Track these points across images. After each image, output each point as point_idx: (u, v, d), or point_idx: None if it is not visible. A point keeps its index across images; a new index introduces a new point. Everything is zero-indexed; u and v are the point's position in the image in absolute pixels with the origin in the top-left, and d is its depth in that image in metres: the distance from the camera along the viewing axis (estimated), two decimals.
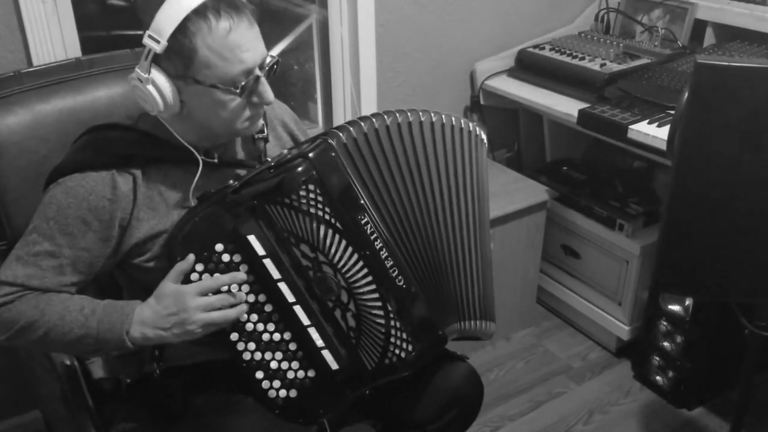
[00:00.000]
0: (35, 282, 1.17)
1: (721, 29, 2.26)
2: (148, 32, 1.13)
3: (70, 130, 1.31)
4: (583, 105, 2.12)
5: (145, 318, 1.17)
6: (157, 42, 1.11)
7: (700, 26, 2.31)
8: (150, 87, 1.14)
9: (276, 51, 2.35)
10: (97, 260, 1.21)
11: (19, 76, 1.46)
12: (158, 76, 1.14)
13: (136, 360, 1.33)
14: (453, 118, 1.34)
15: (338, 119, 2.40)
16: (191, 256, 1.17)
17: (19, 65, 1.73)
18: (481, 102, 2.49)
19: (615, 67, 2.20)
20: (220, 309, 1.17)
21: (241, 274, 1.18)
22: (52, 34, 1.76)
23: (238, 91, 1.15)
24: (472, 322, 1.35)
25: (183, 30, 1.11)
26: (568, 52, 2.35)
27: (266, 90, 1.19)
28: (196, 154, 1.23)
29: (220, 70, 1.13)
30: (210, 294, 1.17)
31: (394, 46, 2.32)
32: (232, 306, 1.17)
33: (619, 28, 2.57)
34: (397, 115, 1.26)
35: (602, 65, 2.22)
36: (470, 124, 1.37)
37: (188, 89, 1.16)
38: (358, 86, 2.30)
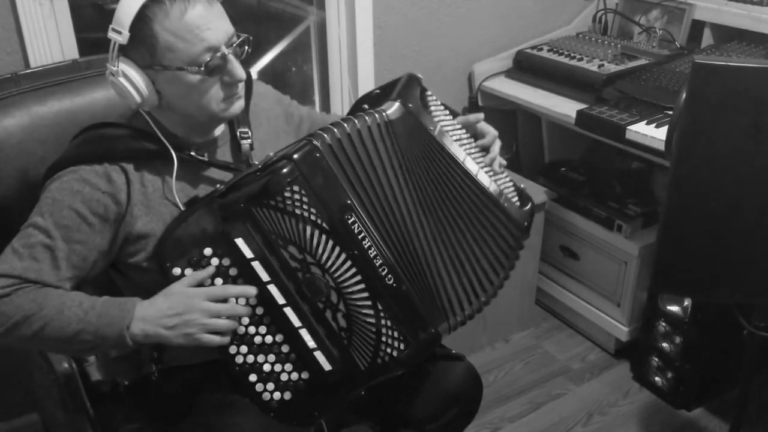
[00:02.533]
0: (32, 275, 1.17)
1: (719, 30, 2.26)
2: (111, 26, 1.16)
3: (68, 131, 1.31)
4: (582, 106, 2.12)
5: (147, 315, 1.16)
6: (120, 33, 1.14)
7: (697, 27, 2.31)
8: (122, 79, 1.17)
9: (274, 53, 2.35)
10: (91, 253, 1.21)
11: (17, 77, 1.46)
12: (127, 68, 1.17)
13: (134, 362, 1.33)
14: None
15: None
16: (211, 268, 1.17)
17: (17, 67, 1.73)
18: (480, 103, 2.49)
19: (613, 68, 2.20)
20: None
21: (252, 289, 1.18)
22: (50, 36, 1.76)
23: (203, 69, 1.16)
24: (467, 314, 1.31)
25: (142, 18, 1.14)
26: (566, 53, 2.35)
27: (235, 67, 1.20)
28: (173, 152, 1.23)
29: (183, 52, 1.15)
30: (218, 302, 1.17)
31: (392, 48, 2.32)
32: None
33: (616, 29, 2.57)
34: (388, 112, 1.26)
35: (600, 66, 2.22)
36: None
37: (159, 77, 1.18)
38: (356, 88, 2.30)
